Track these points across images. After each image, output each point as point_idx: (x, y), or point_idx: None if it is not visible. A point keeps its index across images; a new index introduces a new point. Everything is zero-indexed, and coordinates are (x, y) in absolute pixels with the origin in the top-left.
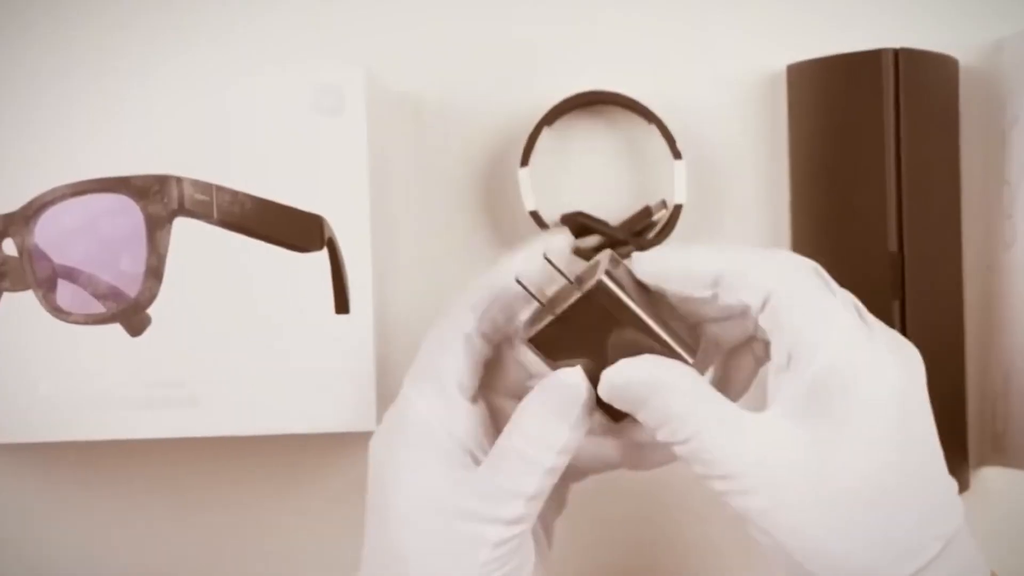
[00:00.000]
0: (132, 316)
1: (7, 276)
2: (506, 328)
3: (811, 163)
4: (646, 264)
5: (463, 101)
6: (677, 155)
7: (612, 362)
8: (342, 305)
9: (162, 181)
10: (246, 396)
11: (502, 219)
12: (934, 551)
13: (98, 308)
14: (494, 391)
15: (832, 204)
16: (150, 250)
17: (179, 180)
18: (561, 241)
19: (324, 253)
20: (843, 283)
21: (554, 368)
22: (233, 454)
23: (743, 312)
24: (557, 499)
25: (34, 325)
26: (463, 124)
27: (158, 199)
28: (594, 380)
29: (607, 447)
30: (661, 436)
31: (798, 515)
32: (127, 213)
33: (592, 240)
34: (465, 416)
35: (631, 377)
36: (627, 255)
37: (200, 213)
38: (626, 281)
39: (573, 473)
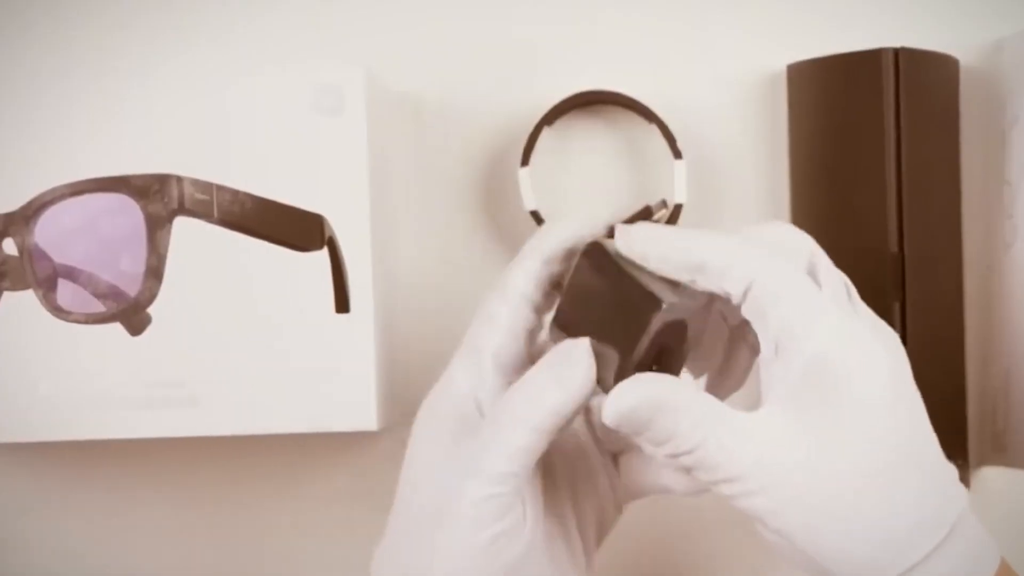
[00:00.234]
0: (132, 316)
1: (7, 276)
2: (554, 296)
3: (811, 163)
4: (630, 238)
5: (463, 101)
6: (677, 155)
7: (620, 334)
8: (342, 305)
9: (162, 181)
10: (246, 396)
11: (502, 219)
12: (940, 535)
13: (98, 307)
14: None
15: (832, 204)
16: (150, 250)
17: (179, 180)
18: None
19: (324, 253)
20: None
21: None
22: (233, 454)
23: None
24: (596, 512)
25: (34, 325)
26: (463, 124)
27: (158, 199)
28: (602, 358)
29: (667, 477)
30: (666, 451)
31: (805, 511)
32: (127, 213)
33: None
34: (500, 390)
35: (632, 404)
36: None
37: (200, 213)
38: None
39: (625, 495)
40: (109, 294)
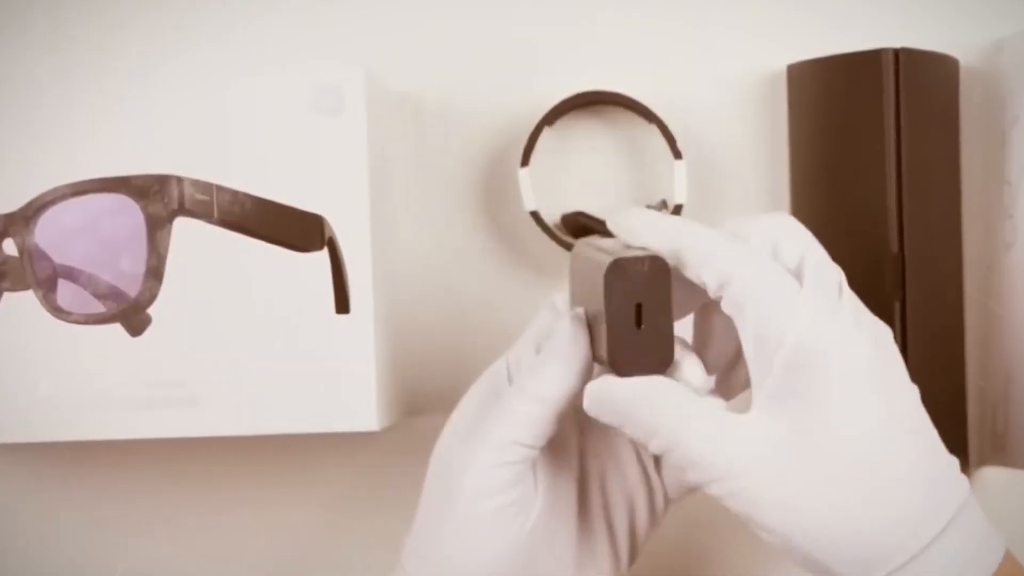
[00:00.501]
0: (132, 316)
1: (7, 276)
2: None
3: (811, 163)
4: (619, 218)
5: (463, 101)
6: (677, 155)
7: (595, 304)
8: (342, 305)
9: (162, 181)
10: (246, 396)
11: (502, 219)
12: (939, 526)
13: (98, 308)
14: None
15: (832, 204)
16: (150, 250)
17: (179, 180)
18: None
19: (324, 253)
20: None
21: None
22: (233, 454)
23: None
24: (628, 507)
25: (34, 325)
26: (463, 124)
27: (158, 199)
28: (595, 333)
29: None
30: (652, 448)
31: (790, 509)
32: (127, 213)
33: None
34: None
35: (611, 391)
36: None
37: (200, 213)
38: None
39: (671, 491)
40: (109, 294)
